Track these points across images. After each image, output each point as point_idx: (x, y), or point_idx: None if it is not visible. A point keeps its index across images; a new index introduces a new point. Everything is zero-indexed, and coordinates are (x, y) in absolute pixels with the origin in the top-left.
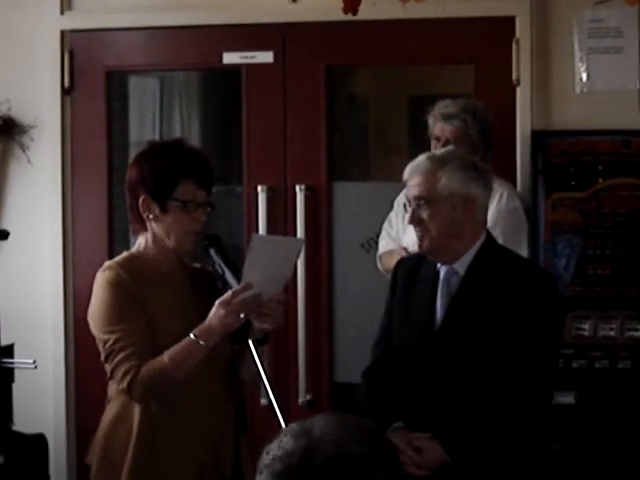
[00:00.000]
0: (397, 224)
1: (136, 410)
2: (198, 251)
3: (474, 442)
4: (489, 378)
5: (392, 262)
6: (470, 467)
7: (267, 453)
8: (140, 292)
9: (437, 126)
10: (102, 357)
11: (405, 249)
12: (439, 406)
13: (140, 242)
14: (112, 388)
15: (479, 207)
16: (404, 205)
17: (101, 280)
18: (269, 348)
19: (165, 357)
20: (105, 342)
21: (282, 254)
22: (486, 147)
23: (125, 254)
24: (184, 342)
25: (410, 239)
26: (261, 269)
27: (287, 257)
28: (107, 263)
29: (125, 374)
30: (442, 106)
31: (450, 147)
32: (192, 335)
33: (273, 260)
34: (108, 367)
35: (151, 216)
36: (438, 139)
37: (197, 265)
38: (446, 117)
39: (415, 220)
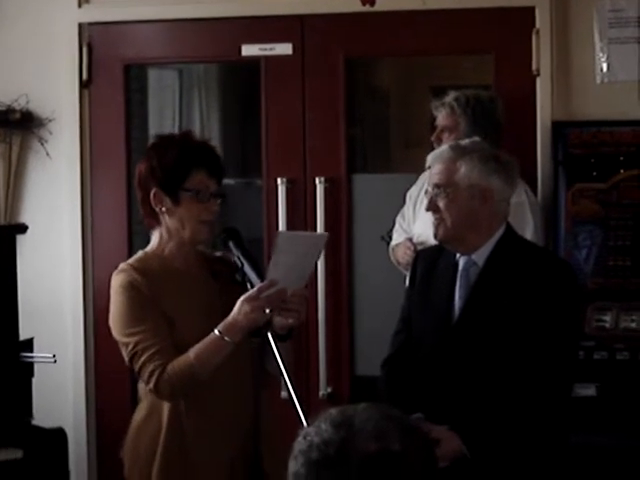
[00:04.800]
0: (409, 216)
1: (165, 408)
2: (218, 243)
3: (492, 434)
4: (508, 369)
5: (399, 254)
6: (488, 458)
7: (304, 438)
8: (155, 292)
9: (436, 114)
10: (126, 360)
11: (410, 239)
12: (458, 397)
13: (154, 239)
14: (141, 387)
15: (498, 200)
16: (426, 192)
17: (115, 284)
18: (290, 341)
19: (191, 354)
20: (127, 345)
21: (306, 249)
22: (485, 138)
23: (140, 254)
24: (209, 339)
25: (418, 230)
26: (285, 265)
27: (311, 252)
28: (120, 266)
29: (151, 374)
30: (446, 95)
31: (476, 138)
32: (217, 331)
33: (297, 256)
34: (135, 369)
35: (163, 209)
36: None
37: (218, 254)
38: (439, 105)
39: (432, 207)
